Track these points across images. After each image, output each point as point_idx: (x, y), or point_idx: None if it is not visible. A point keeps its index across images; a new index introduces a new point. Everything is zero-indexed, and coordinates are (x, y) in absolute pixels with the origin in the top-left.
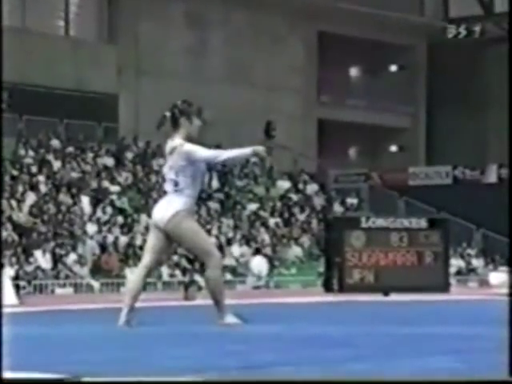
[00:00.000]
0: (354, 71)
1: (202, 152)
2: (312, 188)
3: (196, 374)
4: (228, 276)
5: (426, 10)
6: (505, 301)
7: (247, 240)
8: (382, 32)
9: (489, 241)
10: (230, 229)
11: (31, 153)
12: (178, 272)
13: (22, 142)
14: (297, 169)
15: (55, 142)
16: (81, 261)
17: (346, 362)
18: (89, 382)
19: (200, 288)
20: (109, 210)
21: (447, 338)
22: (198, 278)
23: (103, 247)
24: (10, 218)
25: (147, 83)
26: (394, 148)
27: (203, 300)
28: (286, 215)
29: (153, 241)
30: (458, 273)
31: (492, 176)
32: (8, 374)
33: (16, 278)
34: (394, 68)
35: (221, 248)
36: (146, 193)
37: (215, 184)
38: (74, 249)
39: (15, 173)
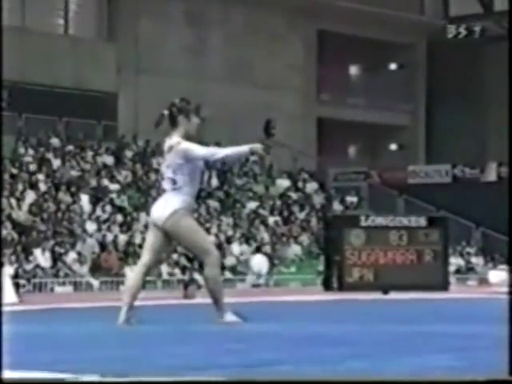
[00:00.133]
0: (353, 69)
1: (199, 150)
2: (311, 186)
3: (195, 372)
4: (228, 274)
5: (426, 9)
6: (504, 299)
7: (247, 238)
8: (382, 30)
9: (488, 239)
10: (230, 227)
11: (31, 151)
12: (177, 270)
13: (21, 141)
14: (296, 167)
15: (55, 141)
16: (80, 259)
17: (346, 360)
18: (88, 381)
19: (199, 286)
20: (108, 208)
21: (446, 336)
22: (197, 276)
23: (103, 245)
24: (9, 217)
25: (147, 82)
26: (393, 146)
27: (203, 298)
28: (286, 213)
29: (152, 239)
30: (458, 271)
31: (491, 174)
32: (8, 373)
33: (16, 276)
34: (393, 66)
35: (220, 246)
36: (146, 191)
37: (215, 182)
38: (73, 247)
39: (15, 171)
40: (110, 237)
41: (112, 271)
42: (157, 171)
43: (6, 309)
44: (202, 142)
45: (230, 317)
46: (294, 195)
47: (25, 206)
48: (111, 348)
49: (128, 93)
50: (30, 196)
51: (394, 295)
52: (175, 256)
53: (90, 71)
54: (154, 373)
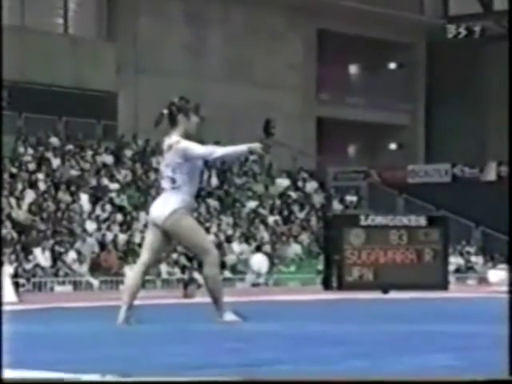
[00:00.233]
0: (353, 69)
1: (198, 149)
2: (311, 186)
3: (195, 371)
4: (227, 274)
5: (426, 8)
6: (504, 298)
7: (246, 238)
8: (382, 30)
9: (488, 239)
10: (230, 226)
11: (30, 150)
12: (177, 270)
13: (21, 140)
14: (296, 166)
15: (54, 140)
16: (80, 258)
17: (345, 360)
18: (88, 381)
19: (199, 286)
20: (108, 207)
21: (446, 335)
22: (197, 275)
23: (102, 245)
24: (9, 216)
25: (146, 81)
26: (393, 146)
27: (202, 298)
28: (286, 213)
29: (151, 238)
30: (457, 270)
31: (491, 174)
32: (8, 372)
33: (15, 275)
34: (393, 66)
35: (220, 246)
36: (145, 190)
37: (214, 182)
38: (73, 246)
39: (14, 170)
40: (109, 236)
41: (112, 270)
42: (156, 170)
43: (5, 308)
44: (202, 141)
45: (229, 316)
46: (293, 194)
47: (24, 206)
48: (111, 347)
49: (128, 92)
50: (30, 195)
51: (393, 294)
52: (175, 255)
53: (90, 71)
54: (153, 372)
